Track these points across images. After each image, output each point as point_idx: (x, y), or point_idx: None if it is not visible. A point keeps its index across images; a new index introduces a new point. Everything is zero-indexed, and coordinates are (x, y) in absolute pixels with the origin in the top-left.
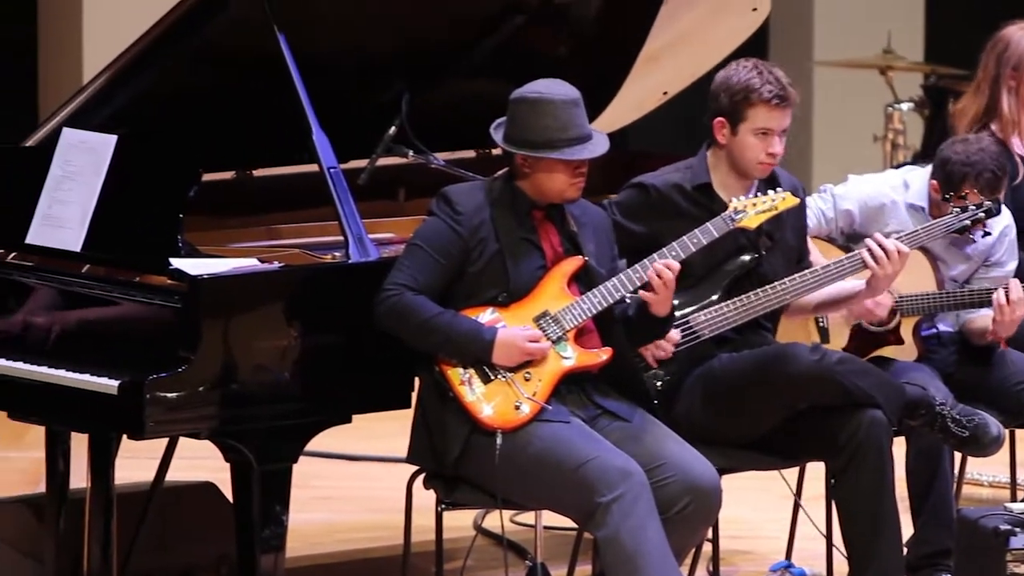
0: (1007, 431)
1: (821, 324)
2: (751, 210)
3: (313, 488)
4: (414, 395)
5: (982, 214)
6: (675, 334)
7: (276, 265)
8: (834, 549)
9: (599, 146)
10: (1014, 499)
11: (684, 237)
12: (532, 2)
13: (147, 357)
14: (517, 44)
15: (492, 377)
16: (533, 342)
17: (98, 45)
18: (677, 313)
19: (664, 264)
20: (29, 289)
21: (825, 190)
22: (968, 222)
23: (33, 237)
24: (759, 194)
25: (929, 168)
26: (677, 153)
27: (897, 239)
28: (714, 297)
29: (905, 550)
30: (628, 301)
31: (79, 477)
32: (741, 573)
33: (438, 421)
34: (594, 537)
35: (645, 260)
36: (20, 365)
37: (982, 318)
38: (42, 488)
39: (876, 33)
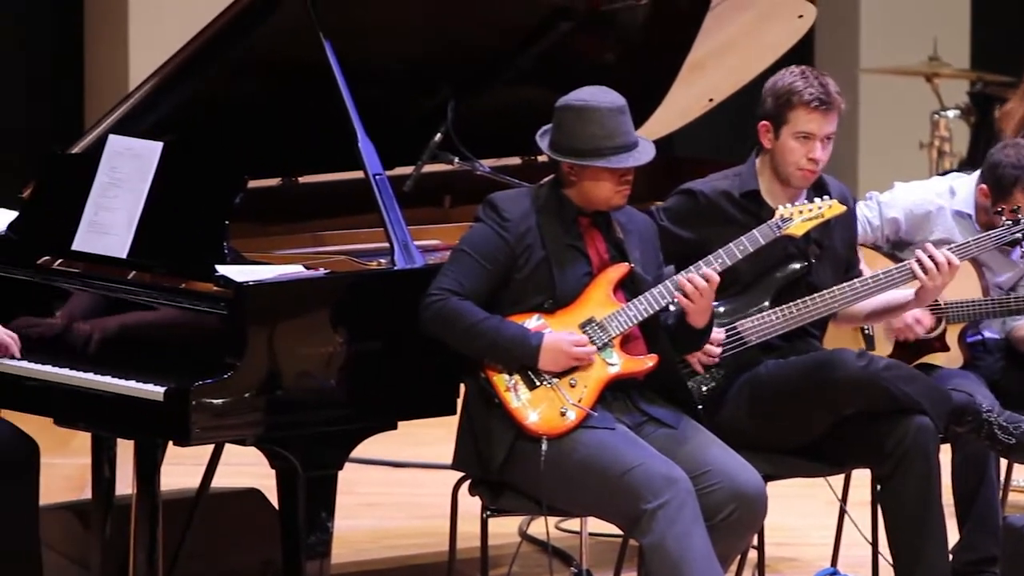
0: None
1: (867, 331)
2: (797, 217)
3: (359, 495)
4: (459, 401)
5: None
6: (719, 334)
7: (321, 272)
8: (880, 556)
9: (645, 154)
10: None
11: (731, 244)
12: (579, 9)
13: (193, 364)
14: (563, 51)
15: (538, 383)
16: (579, 347)
17: (144, 52)
18: (725, 319)
19: (703, 274)
20: (75, 296)
21: (871, 197)
22: (1020, 235)
23: (79, 244)
24: (806, 201)
25: (975, 175)
26: (723, 160)
27: (948, 251)
28: (763, 305)
29: (951, 557)
30: (672, 309)
31: (125, 483)
32: None
33: (483, 427)
34: (639, 544)
35: (691, 267)
36: (66, 372)
37: None
38: (88, 494)
39: (922, 40)
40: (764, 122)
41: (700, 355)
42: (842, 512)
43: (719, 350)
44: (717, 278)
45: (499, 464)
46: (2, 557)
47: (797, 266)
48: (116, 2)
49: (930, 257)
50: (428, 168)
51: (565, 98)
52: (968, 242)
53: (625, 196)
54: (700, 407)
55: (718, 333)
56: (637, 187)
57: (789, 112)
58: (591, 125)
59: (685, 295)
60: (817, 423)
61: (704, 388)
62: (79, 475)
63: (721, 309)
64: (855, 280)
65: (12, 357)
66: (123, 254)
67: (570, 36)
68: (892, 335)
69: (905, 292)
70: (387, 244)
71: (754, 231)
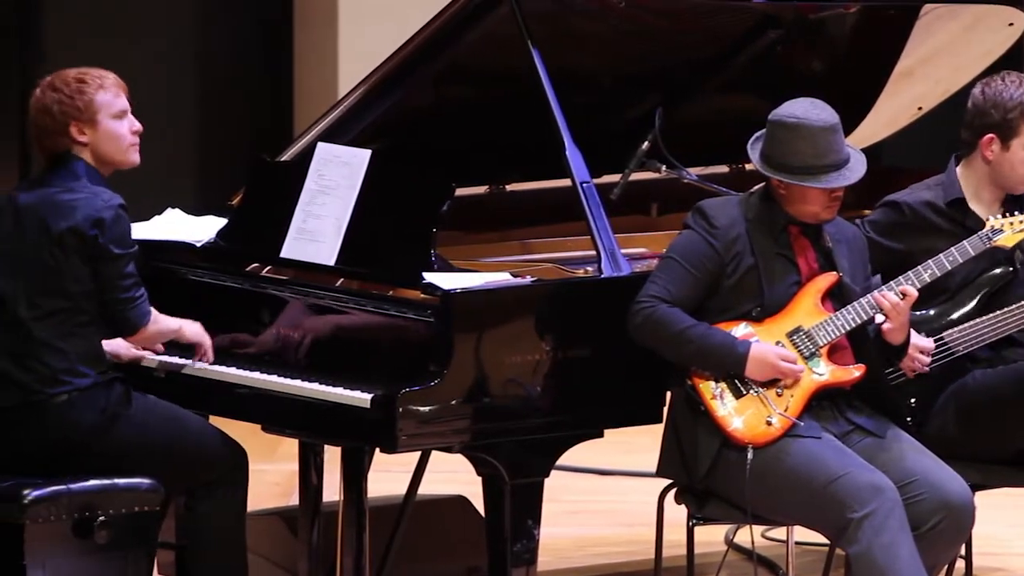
0: None
1: None
2: (1008, 229)
3: (564, 502)
4: (666, 410)
5: None
6: (928, 343)
7: (528, 279)
8: None
9: (855, 172)
10: None
11: (940, 255)
12: (787, 17)
13: (399, 371)
14: (771, 59)
15: (744, 392)
16: (786, 362)
17: (352, 61)
18: (932, 325)
19: (901, 290)
20: (283, 303)
21: None
22: None
23: (288, 251)
24: (1016, 212)
25: None
26: (931, 168)
27: None
28: (967, 311)
29: None
30: (878, 320)
31: (332, 490)
32: None
33: (689, 435)
34: (846, 553)
35: (900, 277)
36: (274, 378)
37: None
38: (295, 501)
39: None
40: (989, 135)
41: (910, 363)
42: None
43: (929, 359)
44: (915, 293)
45: (704, 472)
46: (213, 563)
47: (1001, 271)
48: (326, 11)
49: None
50: (635, 176)
51: (778, 112)
52: None
53: (834, 211)
54: (908, 419)
55: (927, 342)
56: (845, 196)
57: (1023, 123)
58: (802, 143)
59: (882, 312)
60: None
61: (912, 400)
62: (286, 481)
63: (932, 312)
64: None
65: (202, 360)
66: (331, 261)
67: (778, 44)
68: None
69: None
70: (594, 252)
71: (964, 242)
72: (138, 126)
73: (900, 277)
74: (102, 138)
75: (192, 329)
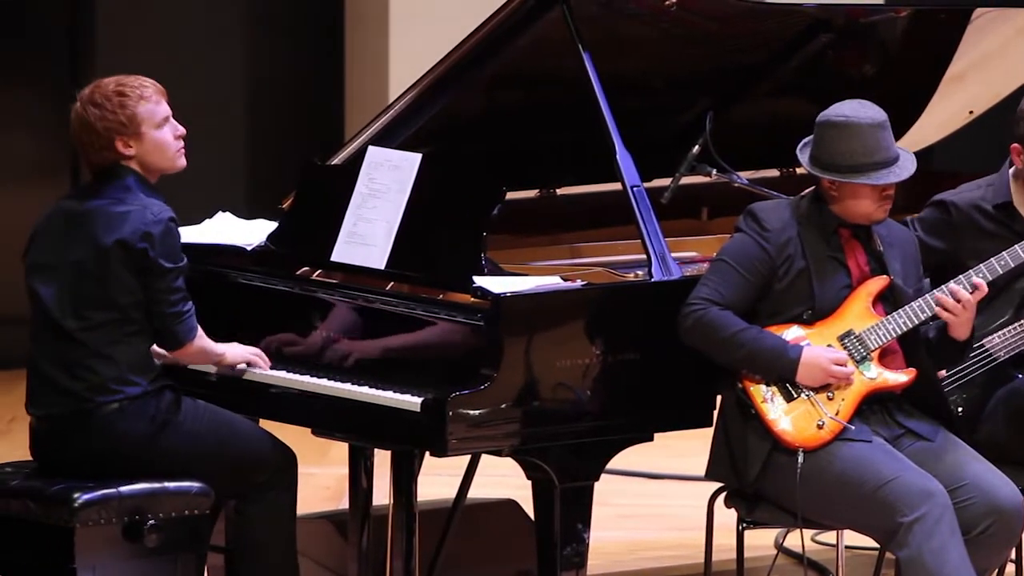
0: None
1: None
2: None
3: (614, 506)
4: (715, 412)
5: None
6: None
7: (579, 283)
8: None
9: (905, 169)
10: None
11: (992, 259)
12: (838, 21)
13: (449, 374)
14: (822, 63)
15: (795, 395)
16: (838, 366)
17: (403, 65)
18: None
19: (972, 283)
20: (334, 307)
21: None
22: None
23: (338, 255)
24: None
25: None
26: (983, 172)
27: None
28: (1006, 316)
29: None
30: (931, 323)
31: (382, 494)
32: None
33: (739, 438)
34: (896, 557)
35: (952, 281)
36: (324, 382)
37: None
38: (345, 504)
39: None
40: (1016, 144)
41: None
42: None
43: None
44: (985, 288)
45: (755, 476)
46: (261, 566)
47: None
48: (377, 15)
49: None
50: (686, 180)
51: (825, 113)
52: None
53: (886, 211)
54: (958, 427)
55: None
56: (895, 199)
57: None
58: (852, 141)
59: (946, 309)
60: None
61: (959, 410)
62: (336, 485)
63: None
64: None
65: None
66: (381, 265)
67: (829, 48)
68: None
69: None
70: (644, 256)
71: (1016, 247)
72: (181, 130)
73: (954, 280)
74: (148, 148)
75: (236, 353)
